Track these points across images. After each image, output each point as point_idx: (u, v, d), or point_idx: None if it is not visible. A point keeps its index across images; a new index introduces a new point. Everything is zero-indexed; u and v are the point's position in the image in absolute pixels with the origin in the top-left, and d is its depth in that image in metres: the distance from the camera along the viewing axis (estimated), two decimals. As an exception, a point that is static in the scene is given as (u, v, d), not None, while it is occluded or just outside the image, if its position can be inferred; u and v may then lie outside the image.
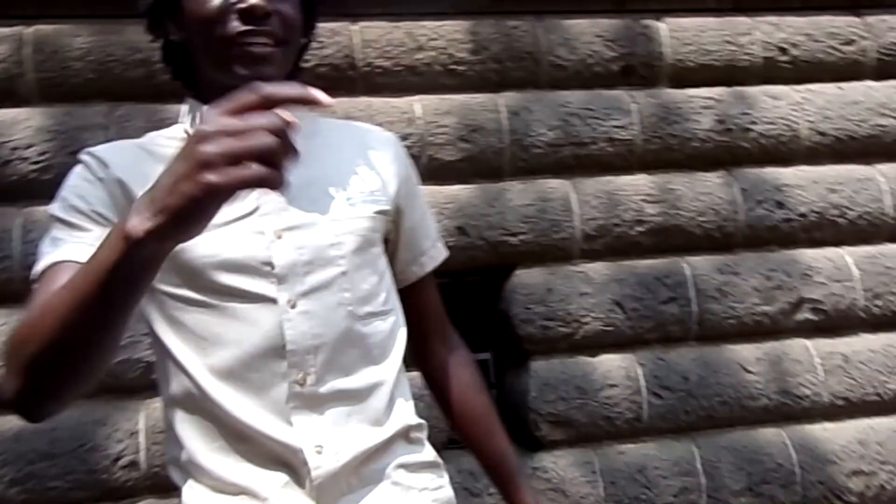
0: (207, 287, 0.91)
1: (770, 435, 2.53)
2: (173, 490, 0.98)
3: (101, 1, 2.37)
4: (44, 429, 2.12)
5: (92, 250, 0.73)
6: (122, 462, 2.14)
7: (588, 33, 2.64)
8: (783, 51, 2.79)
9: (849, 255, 2.69)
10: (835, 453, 2.54)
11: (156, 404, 2.20)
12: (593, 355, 2.47)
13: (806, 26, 2.79)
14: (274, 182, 0.56)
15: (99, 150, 0.97)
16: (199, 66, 0.97)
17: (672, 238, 2.58)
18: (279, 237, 0.93)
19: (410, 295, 1.10)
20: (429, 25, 2.52)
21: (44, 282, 0.85)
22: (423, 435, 1.04)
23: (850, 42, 2.82)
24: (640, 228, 2.54)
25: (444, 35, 2.53)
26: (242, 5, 0.89)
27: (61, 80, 2.31)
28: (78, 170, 0.95)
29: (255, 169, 0.55)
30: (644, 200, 2.55)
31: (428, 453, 1.03)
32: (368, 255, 0.99)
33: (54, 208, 0.93)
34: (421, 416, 1.03)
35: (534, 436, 2.39)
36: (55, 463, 2.10)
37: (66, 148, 2.26)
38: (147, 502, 2.16)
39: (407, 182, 1.08)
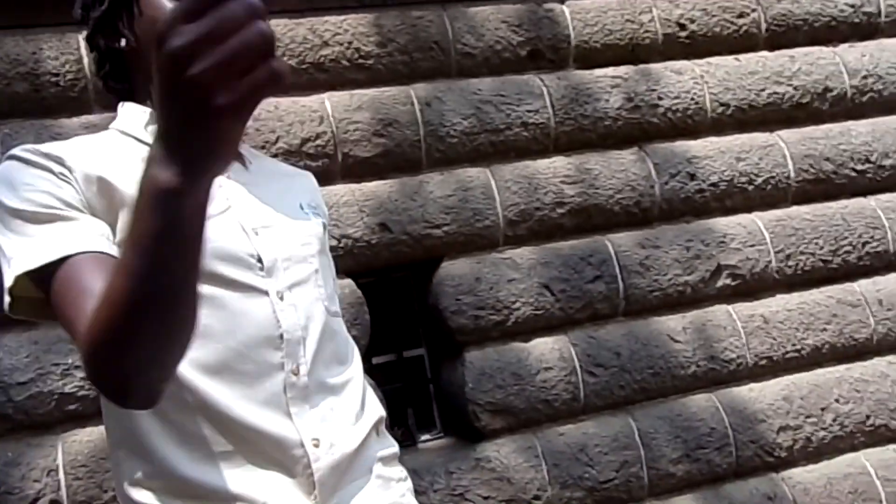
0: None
1: (701, 401, 2.60)
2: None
3: (-25, 12, 2.20)
4: (-50, 478, 1.96)
5: (92, 236, 0.79)
6: (41, 502, 2.00)
7: (493, 19, 2.63)
8: (682, 27, 2.86)
9: (759, 220, 2.78)
10: (763, 412, 2.63)
11: (74, 437, 2.07)
12: (526, 340, 2.47)
13: (701, 2, 2.87)
14: (283, 77, 0.51)
15: (40, 147, 0.89)
16: (149, 74, 0.92)
17: (593, 217, 2.60)
18: (257, 234, 0.95)
19: None
20: (332, 21, 2.46)
21: (72, 277, 0.80)
22: (383, 428, 1.07)
23: (742, 15, 2.92)
24: (560, 210, 2.56)
25: (349, 29, 2.47)
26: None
27: (-64, 100, 2.14)
28: (20, 166, 0.87)
29: (261, 71, 0.50)
30: (563, 182, 2.57)
31: (393, 445, 1.06)
32: (326, 259, 1.05)
33: (9, 199, 0.84)
34: None
35: (474, 427, 2.38)
36: (-34, 513, 1.94)
37: (-51, 173, 2.09)
38: (73, 543, 2.03)
39: (325, 209, 1.15)
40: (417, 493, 2.31)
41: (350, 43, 2.47)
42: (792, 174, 2.84)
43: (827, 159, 2.89)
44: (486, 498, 2.32)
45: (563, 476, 2.39)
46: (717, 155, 2.77)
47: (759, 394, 2.66)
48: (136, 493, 0.89)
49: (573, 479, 2.40)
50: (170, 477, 0.87)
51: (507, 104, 2.57)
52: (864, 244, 2.85)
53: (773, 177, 2.82)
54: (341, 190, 2.37)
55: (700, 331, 2.64)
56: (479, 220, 2.47)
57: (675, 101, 2.77)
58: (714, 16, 2.88)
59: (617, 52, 2.77)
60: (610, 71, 2.75)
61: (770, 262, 2.75)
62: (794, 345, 2.72)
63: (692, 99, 2.79)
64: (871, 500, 2.65)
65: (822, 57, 2.99)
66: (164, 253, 0.62)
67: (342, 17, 2.47)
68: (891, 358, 2.83)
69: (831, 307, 2.79)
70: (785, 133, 2.89)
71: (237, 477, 0.88)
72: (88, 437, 2.07)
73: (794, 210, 2.85)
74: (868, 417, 2.72)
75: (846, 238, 2.85)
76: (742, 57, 2.92)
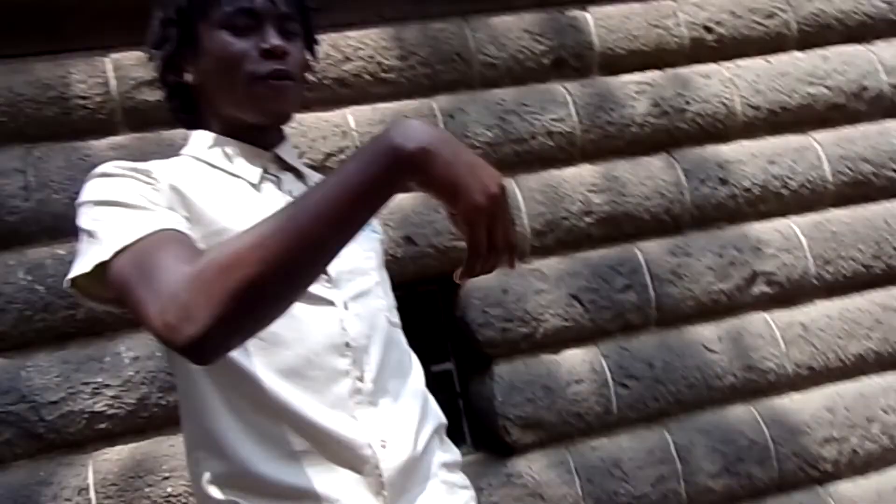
0: None
1: (740, 412, 2.52)
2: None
3: (7, 41, 2.25)
4: (-16, 497, 1.98)
5: (178, 219, 0.86)
6: (72, 522, 2.01)
7: (515, 29, 2.61)
8: (709, 30, 2.80)
9: (795, 225, 2.70)
10: (805, 423, 2.53)
11: (104, 456, 2.08)
12: (556, 352, 2.42)
13: (728, 4, 2.82)
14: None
15: (122, 164, 0.95)
16: (215, 104, 1.03)
17: (622, 226, 2.55)
18: None
19: None
20: (353, 36, 2.46)
21: (157, 244, 0.81)
22: (444, 433, 1.08)
23: (771, 16, 2.85)
24: (588, 219, 2.51)
25: (370, 44, 2.47)
26: (265, 45, 0.98)
27: (-31, 125, 2.18)
28: (107, 179, 0.91)
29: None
30: (590, 191, 2.53)
31: (455, 452, 1.08)
32: (385, 273, 1.10)
33: (101, 195, 0.88)
34: None
35: (505, 441, 2.33)
36: (-1, 532, 1.96)
37: (-19, 196, 2.13)
38: (105, 562, 2.03)
39: (379, 227, 1.19)
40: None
41: (372, 57, 2.47)
42: (829, 176, 2.75)
43: (865, 160, 2.79)
44: (518, 514, 2.27)
45: (597, 492, 2.33)
46: (748, 159, 2.70)
47: (801, 405, 2.57)
48: (215, 492, 0.92)
49: (607, 494, 2.33)
50: (247, 475, 0.90)
51: (531, 113, 2.54)
52: (907, 247, 2.75)
53: (808, 180, 2.73)
54: None
55: (736, 340, 2.56)
56: (504, 231, 2.43)
57: (704, 105, 2.71)
58: (742, 18, 2.82)
59: (642, 57, 2.73)
60: (636, 77, 2.70)
61: (808, 267, 2.66)
62: (836, 353, 2.62)
63: (721, 102, 2.73)
64: (924, 515, 2.53)
65: (857, 55, 2.91)
66: (360, 195, 0.76)
67: (363, 32, 2.48)
68: (940, 365, 2.72)
69: (875, 313, 2.69)
70: (820, 135, 2.81)
71: (311, 475, 0.91)
72: (118, 455, 2.08)
73: (832, 214, 2.76)
74: (918, 428, 2.61)
75: (888, 241, 2.74)
76: (773, 58, 2.85)
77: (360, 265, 1.03)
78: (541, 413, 2.34)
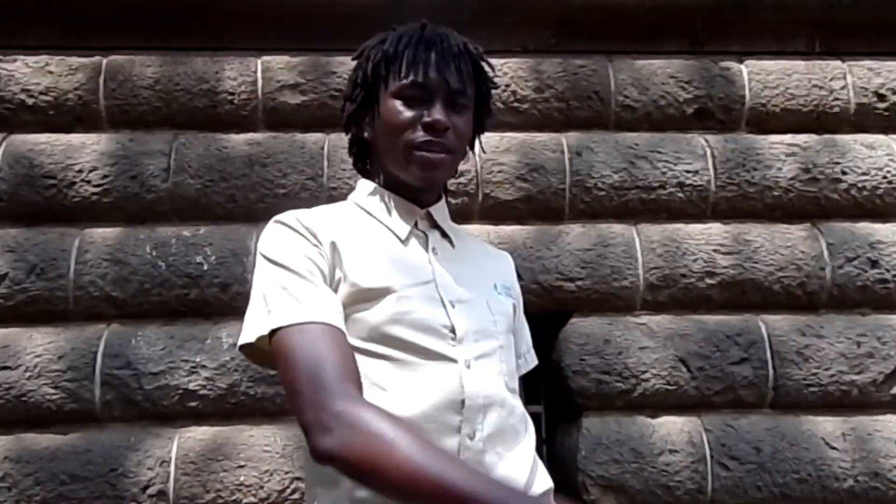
0: (393, 343, 1.02)
1: (857, 522, 2.23)
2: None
3: (175, 34, 2.43)
4: (79, 450, 2.11)
5: (334, 310, 0.97)
6: (150, 491, 2.09)
7: (661, 74, 2.51)
8: (881, 97, 2.56)
9: (955, 324, 2.38)
10: (936, 550, 2.21)
11: (190, 433, 2.16)
12: (653, 416, 2.26)
13: (906, 71, 2.57)
14: None
15: (299, 217, 1.07)
16: (381, 161, 1.14)
17: (747, 293, 2.36)
18: (453, 307, 1.06)
19: None
20: (493, 62, 2.45)
21: (323, 339, 0.95)
22: (552, 499, 1.11)
23: (958, 89, 2.57)
24: (710, 281, 2.34)
25: (508, 73, 2.46)
26: (427, 119, 1.07)
27: (129, 107, 2.37)
28: (286, 232, 1.05)
29: None
30: (716, 251, 2.36)
31: None
32: (511, 338, 1.13)
33: (278, 257, 1.02)
34: None
35: (582, 500, 2.20)
36: (85, 486, 2.08)
37: (127, 173, 2.31)
38: (172, 535, 2.10)
39: (518, 291, 1.25)
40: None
41: (507, 86, 2.45)
42: None
43: None
44: (584, 580, 2.12)
45: (676, 575, 2.14)
46: (907, 242, 2.43)
47: (933, 528, 2.24)
48: None
49: (687, 580, 2.13)
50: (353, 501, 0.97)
51: (663, 161, 2.42)
52: None
53: (977, 276, 2.41)
54: (477, 230, 2.33)
55: (864, 441, 2.28)
56: (616, 278, 2.32)
57: (863, 177, 2.47)
58: (921, 88, 2.56)
59: (798, 118, 2.53)
60: (787, 138, 2.51)
61: (964, 374, 2.33)
62: (985, 477, 2.27)
63: (884, 177, 2.48)
64: None
65: None
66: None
67: (503, 61, 2.47)
68: None
69: None
70: None
71: None
72: (202, 435, 2.16)
73: None
74: None
75: None
76: (952, 136, 2.56)
77: (487, 327, 1.08)
78: (626, 477, 2.19)
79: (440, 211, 1.17)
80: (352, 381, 0.93)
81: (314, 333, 0.95)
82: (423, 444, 0.88)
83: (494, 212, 2.37)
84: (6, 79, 2.36)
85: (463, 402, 1.00)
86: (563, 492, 2.28)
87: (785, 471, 2.22)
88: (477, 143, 1.24)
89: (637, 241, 2.36)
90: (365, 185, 1.17)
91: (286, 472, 2.12)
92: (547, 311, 2.32)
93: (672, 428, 2.24)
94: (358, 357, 1.00)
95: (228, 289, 2.24)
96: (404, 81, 1.09)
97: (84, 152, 2.32)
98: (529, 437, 1.10)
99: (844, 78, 2.57)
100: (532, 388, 2.39)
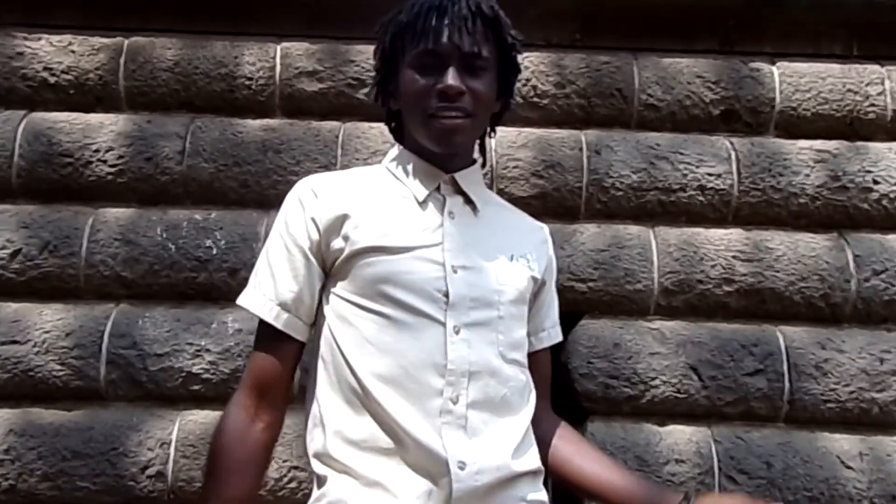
0: (385, 300, 1.06)
1: (871, 546, 2.15)
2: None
3: (197, 18, 2.43)
4: (82, 427, 2.13)
5: (284, 295, 1.11)
6: (149, 471, 2.10)
7: (687, 73, 2.43)
8: (919, 105, 2.46)
9: None
10: (954, 580, 2.11)
11: (191, 416, 2.16)
12: (660, 424, 2.20)
13: (948, 78, 2.45)
14: None
15: (315, 182, 1.17)
16: (408, 129, 1.19)
17: (766, 303, 2.28)
18: (455, 272, 1.08)
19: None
20: (514, 56, 2.41)
21: (262, 344, 1.15)
22: (541, 481, 1.14)
23: None
24: (727, 288, 2.27)
25: (529, 66, 2.41)
26: (440, 86, 1.08)
27: (148, 89, 2.38)
28: (292, 201, 1.16)
29: None
30: (735, 257, 2.28)
31: (545, 497, 1.12)
32: (519, 310, 1.14)
33: (276, 226, 1.15)
34: None
35: (583, 506, 2.15)
36: (86, 463, 2.09)
37: (142, 154, 2.31)
38: (169, 517, 2.10)
39: (549, 264, 1.26)
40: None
41: (528, 80, 2.40)
42: None
43: None
44: (581, 588, 2.07)
45: (677, 589, 2.07)
46: (940, 257, 2.32)
47: (952, 557, 2.14)
48: (316, 465, 1.08)
49: None
50: (335, 457, 1.04)
51: (685, 163, 2.35)
52: None
53: None
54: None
55: (882, 461, 2.19)
56: (630, 281, 2.26)
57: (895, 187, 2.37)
58: (963, 96, 2.44)
59: (830, 123, 2.44)
60: (817, 143, 2.42)
61: None
62: None
63: (918, 188, 2.37)
64: None
65: None
66: None
67: (525, 54, 2.41)
68: None
69: None
70: None
71: (388, 472, 1.01)
72: (203, 419, 2.16)
73: None
74: None
75: None
76: None
77: (487, 296, 1.09)
78: (629, 485, 2.13)
79: (468, 176, 1.18)
80: (249, 384, 1.16)
81: (262, 334, 1.15)
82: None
83: (508, 208, 2.32)
84: (30, 57, 2.39)
85: (445, 365, 1.03)
86: (566, 499, 2.24)
87: (796, 488, 2.15)
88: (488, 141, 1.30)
89: (653, 243, 2.30)
90: (394, 151, 1.23)
91: (284, 461, 2.11)
92: (559, 311, 2.26)
93: (680, 437, 2.18)
94: (354, 312, 1.07)
95: (237, 274, 2.23)
96: (417, 50, 1.10)
97: (102, 132, 2.33)
98: (525, 413, 1.12)
99: (882, 83, 2.47)
100: (539, 389, 2.35)
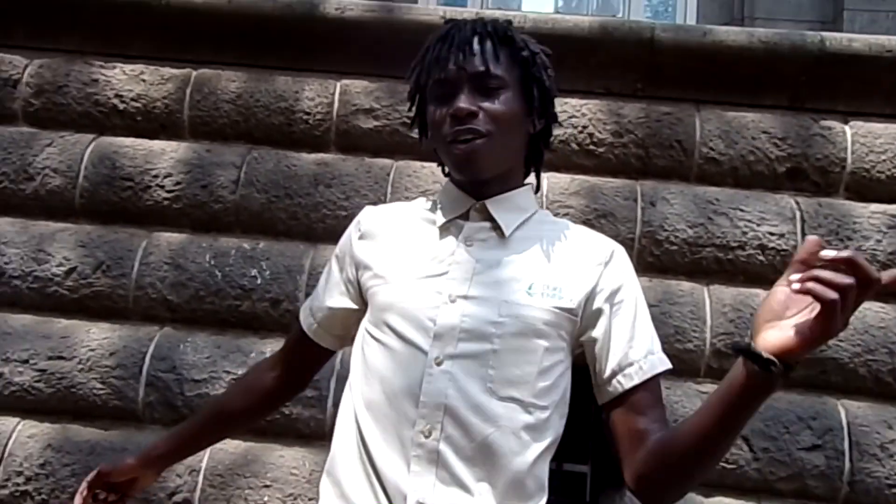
0: (385, 328, 1.06)
1: None
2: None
3: (264, 53, 2.50)
4: (116, 447, 2.14)
5: (317, 309, 1.22)
6: (176, 498, 2.09)
7: (752, 128, 2.35)
8: None
9: None
10: None
11: (222, 446, 2.15)
12: (706, 494, 2.07)
13: None
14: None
15: (367, 213, 1.20)
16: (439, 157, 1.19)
17: (827, 374, 2.14)
18: (453, 301, 1.04)
19: (618, 409, 1.07)
20: (572, 103, 2.38)
21: (295, 334, 1.25)
22: None
23: None
24: (786, 355, 2.14)
25: (587, 114, 2.37)
26: (450, 110, 1.06)
27: (210, 119, 2.44)
28: (349, 227, 1.21)
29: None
30: (796, 323, 2.15)
31: None
32: (529, 344, 1.02)
33: (335, 250, 1.22)
34: None
35: (618, 576, 2.02)
36: (116, 483, 2.09)
37: (199, 181, 2.36)
38: (192, 546, 2.08)
39: (610, 290, 1.08)
40: None
41: (584, 127, 2.36)
42: None
43: None
44: None
45: None
46: None
47: None
48: (321, 483, 1.09)
49: None
50: (331, 475, 1.06)
51: (745, 221, 2.25)
52: None
53: None
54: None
55: (953, 558, 2.00)
56: (680, 340, 2.16)
57: (977, 259, 2.21)
58: None
59: (906, 187, 2.31)
60: (891, 208, 2.29)
61: None
62: None
63: None
64: None
65: None
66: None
67: (583, 102, 2.38)
68: None
69: None
70: None
71: (361, 493, 1.00)
72: (234, 449, 2.14)
73: None
74: None
75: None
76: None
77: (482, 328, 1.02)
78: (668, 558, 2.00)
79: (505, 201, 1.11)
80: (266, 363, 1.28)
81: (294, 333, 1.26)
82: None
83: (556, 256, 2.26)
84: (103, 84, 2.49)
85: (419, 396, 0.99)
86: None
87: (854, 579, 1.97)
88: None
89: (707, 302, 2.19)
90: (443, 187, 1.22)
91: (310, 499, 2.07)
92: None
93: (726, 511, 2.04)
94: (366, 339, 1.09)
95: (279, 305, 2.23)
96: (431, 82, 1.10)
97: (163, 158, 2.40)
98: (524, 458, 1.00)
99: (966, 148, 2.32)
100: (580, 444, 2.25)
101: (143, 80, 2.49)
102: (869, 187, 2.32)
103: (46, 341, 2.22)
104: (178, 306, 2.27)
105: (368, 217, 1.18)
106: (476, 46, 1.07)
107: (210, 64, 2.51)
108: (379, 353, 1.06)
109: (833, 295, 0.77)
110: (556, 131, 2.36)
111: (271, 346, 2.20)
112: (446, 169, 1.20)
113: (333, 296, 1.19)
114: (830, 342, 2.13)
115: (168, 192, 2.36)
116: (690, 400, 2.11)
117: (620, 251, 1.13)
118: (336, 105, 2.42)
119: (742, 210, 2.26)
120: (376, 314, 1.08)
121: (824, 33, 2.39)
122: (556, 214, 2.27)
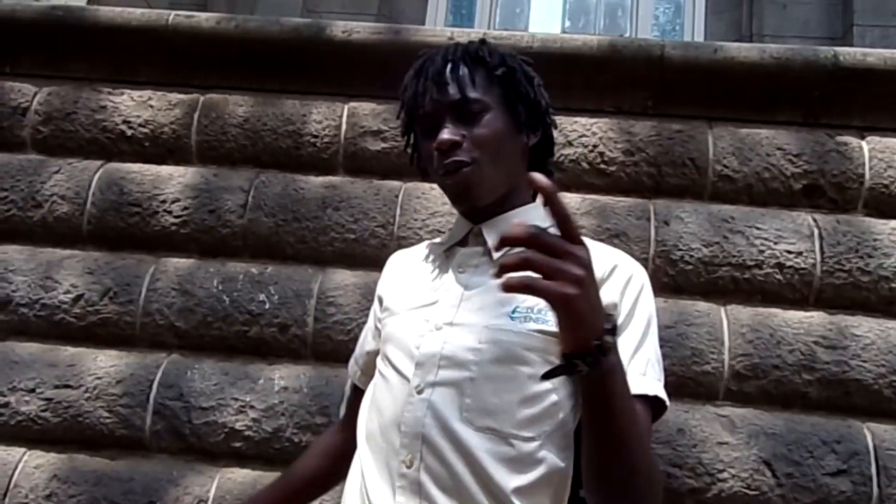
0: (385, 361, 1.07)
1: None
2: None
3: (270, 77, 2.49)
4: (123, 477, 2.11)
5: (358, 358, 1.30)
6: (183, 529, 2.05)
7: (767, 144, 2.31)
8: None
9: None
10: None
11: (231, 474, 2.11)
12: (729, 523, 2.00)
13: None
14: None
15: (397, 254, 1.28)
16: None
17: (851, 396, 2.07)
18: (439, 329, 1.03)
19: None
20: (581, 122, 2.35)
21: (349, 389, 1.37)
22: None
23: None
24: (807, 376, 2.08)
25: (598, 133, 2.34)
26: (434, 145, 1.05)
27: (217, 143, 2.43)
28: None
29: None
30: (817, 343, 2.10)
31: None
32: (509, 371, 0.98)
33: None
34: None
35: None
36: (123, 515, 2.05)
37: (206, 206, 2.34)
38: (199, 579, 2.03)
39: (610, 305, 1.03)
40: None
41: (595, 146, 2.33)
42: None
43: None
44: None
45: None
46: None
47: None
48: None
49: None
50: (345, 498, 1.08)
51: (762, 239, 2.20)
52: None
53: None
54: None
55: None
56: (697, 362, 2.10)
57: None
58: None
59: (926, 203, 2.25)
60: (912, 224, 2.23)
61: None
62: None
63: None
64: None
65: None
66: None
67: (593, 120, 2.35)
68: None
69: None
70: None
71: None
72: (242, 478, 2.10)
73: None
74: None
75: None
76: None
77: (461, 355, 0.99)
78: (690, 590, 1.93)
79: (496, 225, 1.09)
80: (336, 424, 1.37)
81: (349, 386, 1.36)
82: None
83: (568, 277, 2.22)
84: (111, 110, 2.48)
85: (400, 425, 0.99)
86: None
87: None
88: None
89: (725, 322, 2.14)
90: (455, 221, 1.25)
91: (319, 530, 2.02)
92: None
93: (749, 540, 1.97)
94: (376, 372, 1.11)
95: (287, 330, 2.20)
96: (414, 119, 1.12)
97: (170, 183, 2.38)
98: (496, 494, 0.94)
99: None
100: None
101: (151, 106, 2.48)
102: (889, 203, 2.26)
103: (53, 370, 2.20)
104: (186, 332, 2.24)
105: (394, 257, 1.25)
106: (448, 75, 1.05)
107: (217, 88, 2.50)
108: (379, 385, 1.08)
109: (527, 286, 0.72)
110: (566, 150, 2.32)
111: (279, 373, 2.16)
112: None
113: (368, 340, 1.26)
114: (853, 363, 2.07)
115: (176, 217, 2.35)
116: (710, 424, 2.05)
117: (626, 267, 1.07)
118: (344, 127, 2.40)
119: (758, 228, 2.21)
120: (382, 347, 1.12)
121: (837, 48, 2.35)
122: (567, 235, 2.23)
